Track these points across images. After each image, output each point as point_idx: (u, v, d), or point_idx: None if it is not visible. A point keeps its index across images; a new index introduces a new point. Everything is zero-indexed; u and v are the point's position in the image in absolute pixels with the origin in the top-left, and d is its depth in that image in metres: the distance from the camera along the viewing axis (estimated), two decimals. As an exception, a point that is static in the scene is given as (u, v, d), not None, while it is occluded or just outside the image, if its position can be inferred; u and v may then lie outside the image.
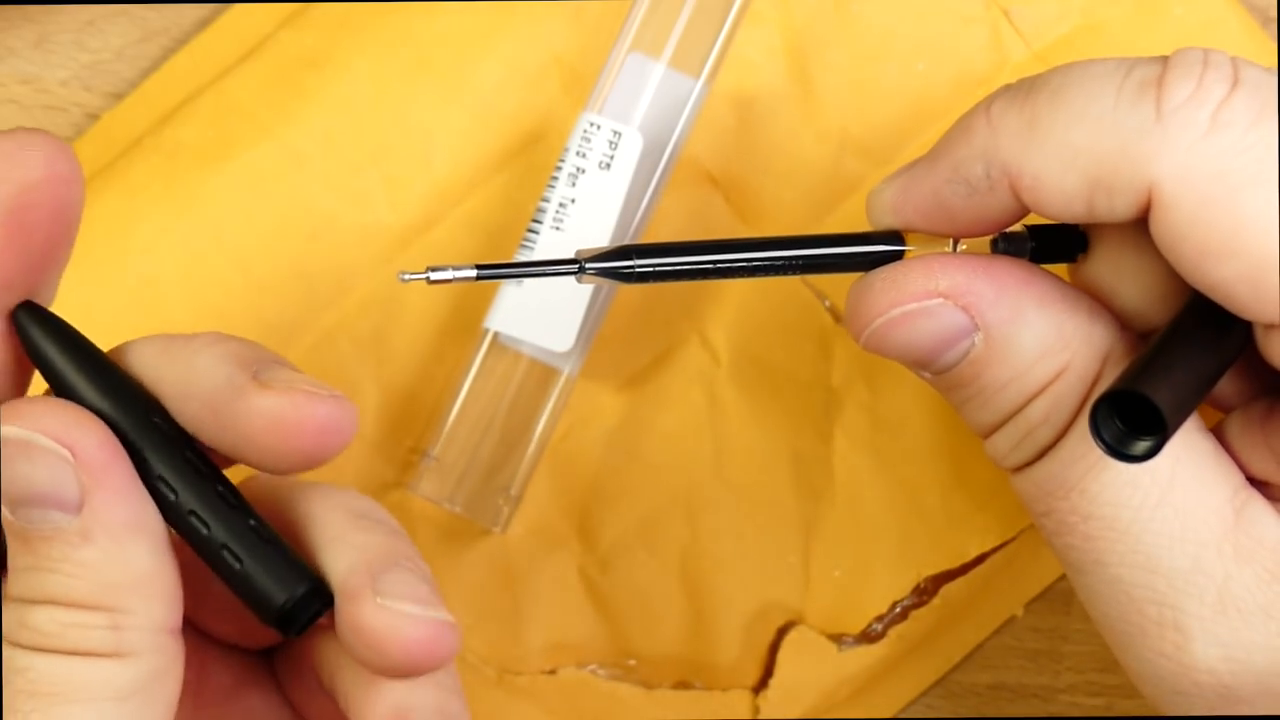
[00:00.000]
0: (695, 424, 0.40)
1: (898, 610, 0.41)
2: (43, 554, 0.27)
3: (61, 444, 0.27)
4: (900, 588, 0.41)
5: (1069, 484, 0.30)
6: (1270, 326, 0.28)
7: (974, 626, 0.41)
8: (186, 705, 0.31)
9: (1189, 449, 0.30)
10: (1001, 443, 0.31)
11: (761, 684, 0.41)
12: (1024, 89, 0.29)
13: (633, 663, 0.41)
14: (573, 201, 0.37)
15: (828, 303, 0.40)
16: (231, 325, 0.40)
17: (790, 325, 0.40)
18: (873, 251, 0.30)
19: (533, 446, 0.39)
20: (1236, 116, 0.27)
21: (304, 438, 0.28)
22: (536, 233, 0.37)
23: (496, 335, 0.38)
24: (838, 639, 0.41)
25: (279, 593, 0.29)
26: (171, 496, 0.29)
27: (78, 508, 0.27)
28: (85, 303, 0.39)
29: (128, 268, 0.39)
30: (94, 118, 0.41)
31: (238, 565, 0.29)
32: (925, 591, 0.41)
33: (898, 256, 0.31)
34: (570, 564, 0.40)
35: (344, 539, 0.30)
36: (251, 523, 0.29)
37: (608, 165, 0.37)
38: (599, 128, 0.37)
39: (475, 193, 0.40)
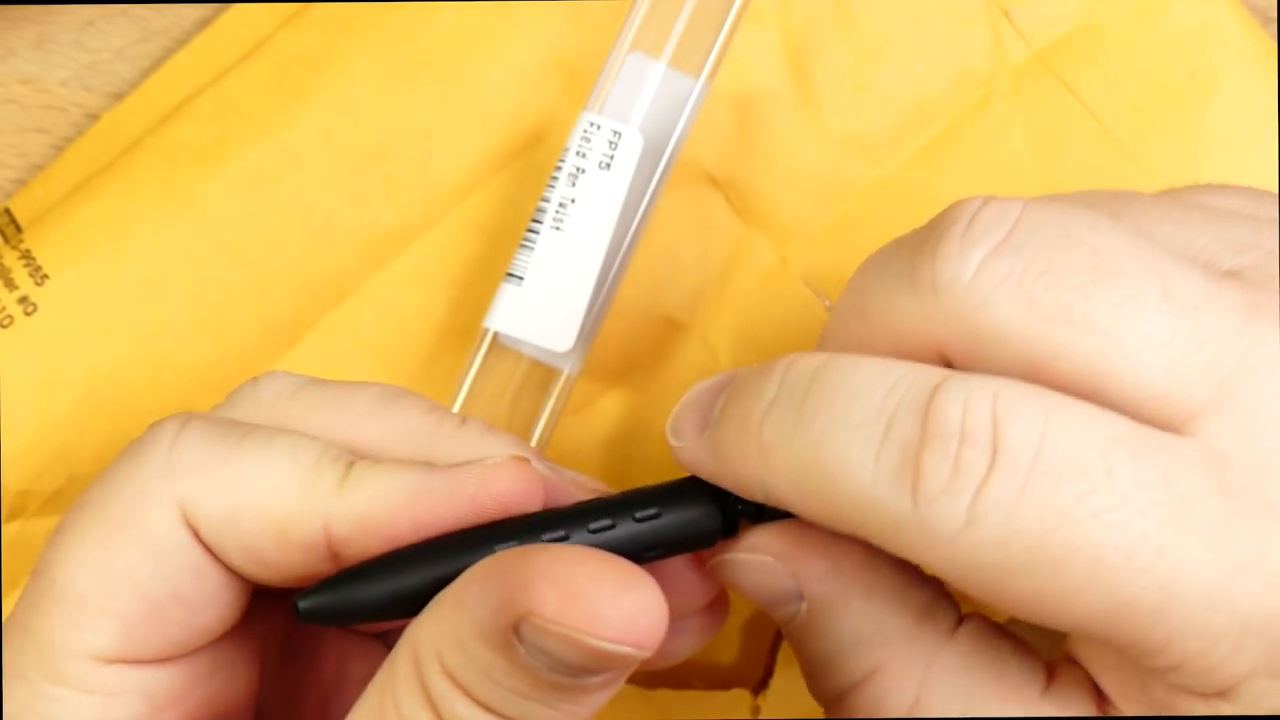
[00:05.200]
0: (695, 424, 0.40)
1: (898, 610, 0.41)
2: (560, 699, 0.27)
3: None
4: (900, 588, 0.41)
5: None
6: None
7: (974, 626, 0.41)
8: None
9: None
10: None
11: (761, 684, 0.41)
12: (791, 417, 0.27)
13: (633, 663, 0.41)
14: (573, 201, 0.37)
15: (827, 302, 0.40)
16: (231, 325, 0.40)
17: (790, 325, 0.40)
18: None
19: (533, 446, 0.38)
20: (991, 509, 0.25)
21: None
22: (536, 233, 0.37)
23: (496, 335, 0.38)
24: (838, 639, 0.41)
25: (709, 515, 0.29)
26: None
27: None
28: (85, 303, 0.39)
29: (128, 268, 0.39)
30: (94, 118, 0.41)
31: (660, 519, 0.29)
32: (925, 591, 0.41)
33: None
34: (570, 564, 0.40)
35: None
36: (618, 502, 0.29)
37: (608, 165, 0.37)
38: (599, 128, 0.37)
39: (475, 193, 0.40)
